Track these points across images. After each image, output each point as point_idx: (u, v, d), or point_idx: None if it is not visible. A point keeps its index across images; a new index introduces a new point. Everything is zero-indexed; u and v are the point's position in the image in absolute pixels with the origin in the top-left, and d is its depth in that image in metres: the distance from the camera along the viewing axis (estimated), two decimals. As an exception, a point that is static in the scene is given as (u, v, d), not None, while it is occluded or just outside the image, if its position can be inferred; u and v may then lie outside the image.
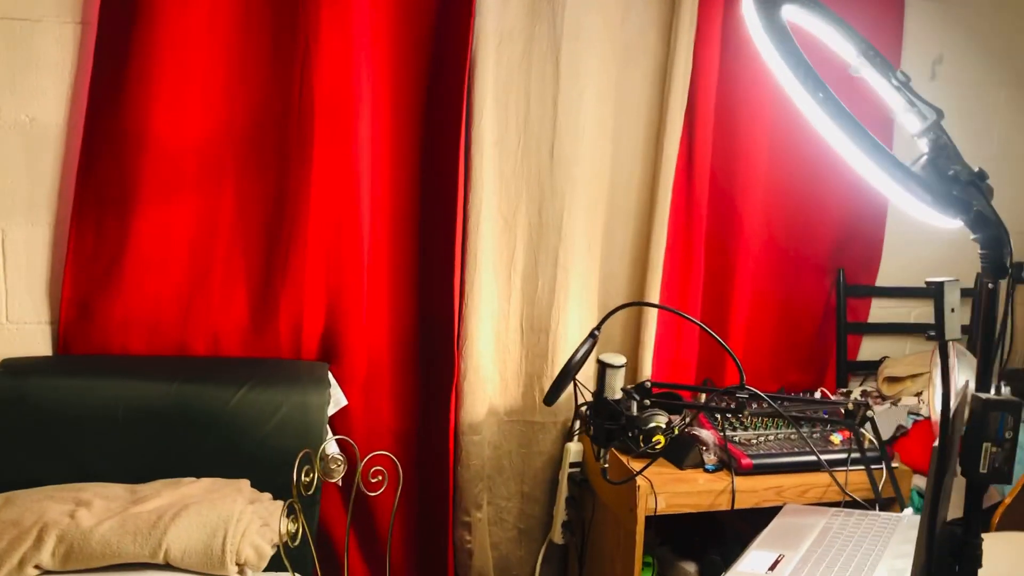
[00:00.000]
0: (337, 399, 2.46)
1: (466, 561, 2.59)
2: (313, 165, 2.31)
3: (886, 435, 2.60)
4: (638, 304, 2.08)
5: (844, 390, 2.88)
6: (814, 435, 2.45)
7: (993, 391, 1.51)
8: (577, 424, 1.96)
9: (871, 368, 2.97)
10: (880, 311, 3.02)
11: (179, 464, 2.23)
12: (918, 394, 2.69)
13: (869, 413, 1.74)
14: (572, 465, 2.54)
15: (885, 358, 2.96)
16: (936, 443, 1.36)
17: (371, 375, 2.51)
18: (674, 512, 2.26)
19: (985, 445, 1.45)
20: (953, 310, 1.30)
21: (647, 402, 1.92)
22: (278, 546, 2.00)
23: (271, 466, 2.24)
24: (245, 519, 1.97)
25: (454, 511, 2.57)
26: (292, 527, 2.05)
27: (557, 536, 2.59)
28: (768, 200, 2.73)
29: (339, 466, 2.27)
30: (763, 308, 2.83)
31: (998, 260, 1.41)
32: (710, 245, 2.71)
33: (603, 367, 1.94)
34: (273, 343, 2.42)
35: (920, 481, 2.42)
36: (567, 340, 2.59)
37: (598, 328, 1.92)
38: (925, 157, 1.44)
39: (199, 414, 2.25)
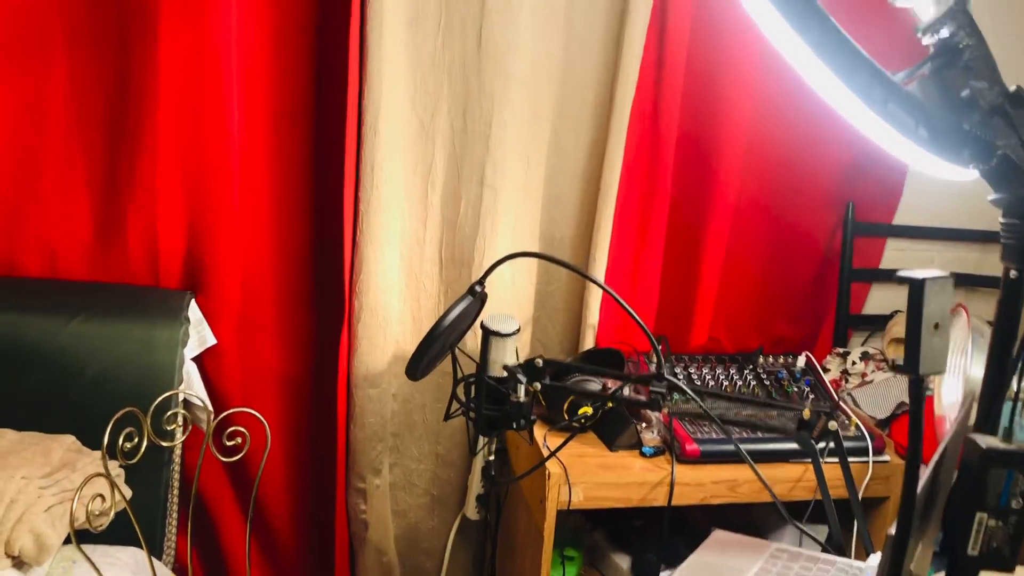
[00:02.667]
0: (202, 337, 2.01)
1: (361, 532, 2.18)
2: (160, 42, 1.79)
3: (884, 412, 2.10)
4: (521, 256, 1.57)
5: (840, 350, 2.37)
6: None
7: (1004, 428, 1.01)
8: (453, 406, 1.49)
9: (879, 324, 2.44)
10: (897, 255, 2.47)
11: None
12: (930, 363, 2.17)
13: (831, 426, 1.24)
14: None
15: (896, 312, 2.43)
16: (898, 512, 0.87)
17: (249, 309, 2.04)
18: (594, 507, 1.80)
19: (980, 516, 0.96)
20: (938, 326, 0.78)
21: (537, 385, 1.44)
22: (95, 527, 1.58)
23: (107, 416, 1.79)
24: (24, 499, 1.55)
25: (347, 476, 2.14)
26: (102, 504, 1.63)
27: (471, 511, 2.15)
28: (759, 107, 2.15)
29: (187, 423, 1.85)
30: (747, 244, 2.30)
31: (1030, 235, 0.90)
32: (681, 162, 2.16)
33: (486, 335, 1.46)
34: (123, 265, 1.96)
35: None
36: (494, 279, 2.09)
37: (480, 283, 1.43)
38: (928, 66, 0.89)
39: (17, 348, 1.83)
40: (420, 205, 2.06)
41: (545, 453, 1.77)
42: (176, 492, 2.00)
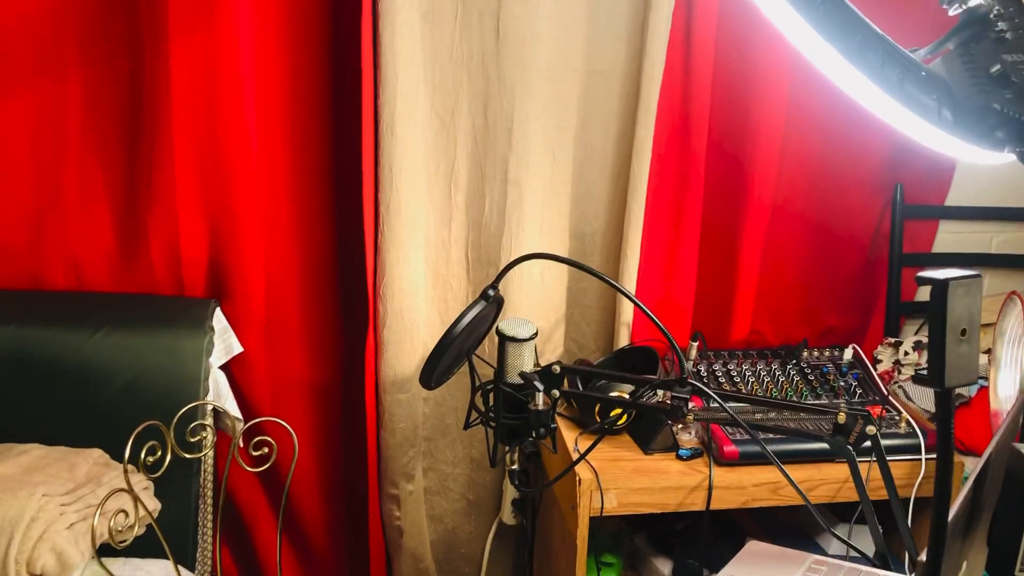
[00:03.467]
0: (228, 345, 1.99)
1: (396, 539, 2.14)
2: (170, 47, 1.76)
3: (939, 405, 1.98)
4: (534, 257, 1.50)
5: (892, 340, 2.25)
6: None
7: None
8: (473, 415, 1.44)
9: (932, 311, 2.31)
10: (949, 238, 2.34)
11: (20, 424, 1.82)
12: (987, 351, 2.05)
13: (870, 430, 1.15)
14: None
15: (952, 299, 2.29)
16: (929, 539, 0.79)
17: (274, 316, 2.01)
18: (629, 513, 1.73)
19: (1031, 536, 0.87)
20: (965, 332, 0.69)
21: (555, 392, 1.37)
22: (117, 543, 1.57)
23: (134, 428, 1.77)
24: (45, 517, 1.53)
25: (380, 482, 2.10)
26: (125, 520, 1.61)
27: (507, 515, 2.10)
28: (796, 87, 2.04)
29: (210, 433, 1.82)
30: (789, 232, 2.19)
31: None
32: (715, 149, 2.06)
33: (502, 340, 1.40)
34: (147, 275, 1.94)
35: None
36: (523, 279, 2.03)
37: (493, 286, 1.37)
38: (953, 40, 0.80)
39: (43, 361, 1.83)
40: (444, 205, 2.01)
41: (575, 457, 1.70)
42: (209, 502, 1.99)
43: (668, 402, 1.27)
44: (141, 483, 1.77)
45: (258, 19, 1.81)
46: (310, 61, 1.90)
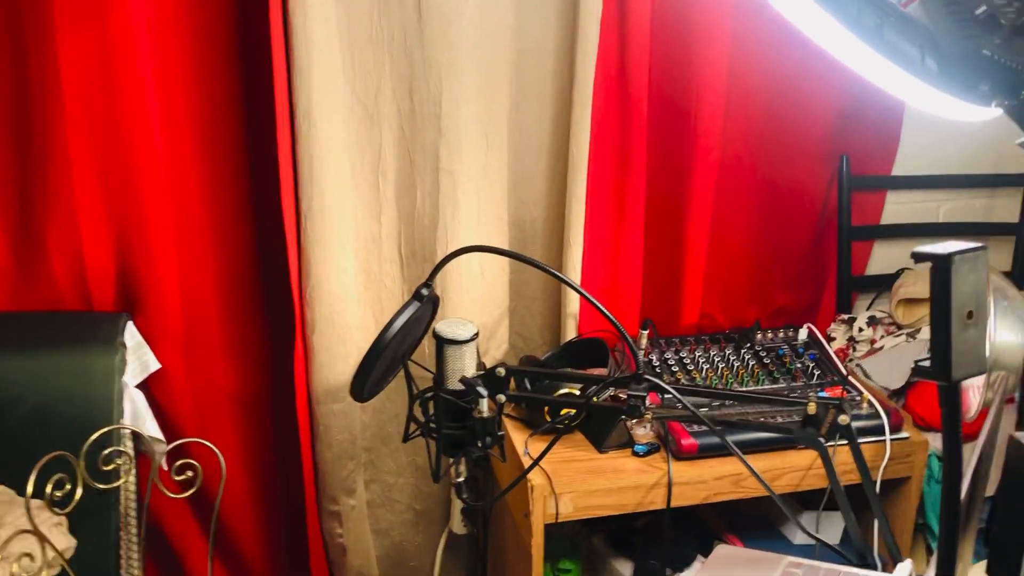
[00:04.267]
0: (144, 362, 1.83)
1: (340, 558, 2.00)
2: (57, 42, 1.59)
3: (898, 381, 1.92)
4: (471, 250, 1.39)
5: (845, 316, 2.19)
6: (791, 394, 1.78)
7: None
8: (412, 427, 1.31)
9: (885, 284, 2.25)
10: (898, 208, 2.28)
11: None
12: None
13: (842, 420, 1.06)
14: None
15: (903, 271, 2.24)
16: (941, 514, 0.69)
17: (193, 328, 1.86)
18: (585, 517, 1.63)
19: (1036, 534, 0.78)
20: (972, 315, 0.59)
21: (501, 398, 1.25)
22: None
23: (41, 458, 1.60)
24: (-64, 570, 1.37)
25: (318, 499, 1.96)
26: (31, 563, 1.45)
27: (456, 525, 1.98)
28: (736, 57, 1.94)
29: (128, 460, 1.67)
30: (735, 209, 2.10)
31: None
32: (656, 126, 1.96)
33: (440, 343, 1.27)
34: (50, 291, 1.77)
35: (938, 443, 1.75)
36: (461, 274, 1.91)
37: (427, 285, 1.25)
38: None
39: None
40: (372, 198, 1.87)
41: (527, 462, 1.59)
42: (133, 533, 1.83)
43: (624, 400, 1.16)
44: (51, 520, 1.62)
45: (154, 7, 1.65)
46: (216, 50, 1.74)
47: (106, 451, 1.59)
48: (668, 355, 1.88)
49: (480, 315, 1.98)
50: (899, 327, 2.11)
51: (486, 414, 1.24)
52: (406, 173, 1.87)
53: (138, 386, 1.82)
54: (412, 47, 1.78)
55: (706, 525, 1.90)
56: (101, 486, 1.57)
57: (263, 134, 1.76)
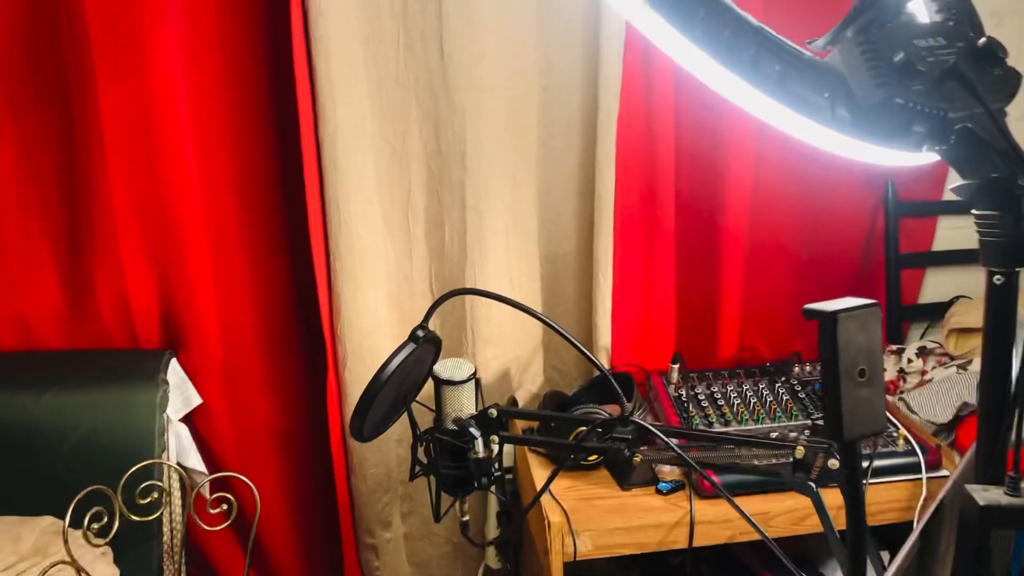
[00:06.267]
0: (187, 397, 1.90)
1: (378, 590, 2.03)
2: (99, 95, 1.69)
3: (946, 415, 1.84)
4: (463, 292, 1.41)
5: (895, 347, 2.11)
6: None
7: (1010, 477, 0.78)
8: (416, 469, 1.33)
9: (937, 313, 2.17)
10: (951, 234, 2.19)
11: (-31, 495, 1.75)
12: None
13: (831, 464, 1.02)
14: (504, 469, 1.89)
15: (957, 299, 2.15)
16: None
17: (233, 363, 1.92)
18: (606, 556, 1.61)
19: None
20: (864, 373, 0.58)
21: (494, 439, 1.26)
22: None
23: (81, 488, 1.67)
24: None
25: (355, 531, 1.99)
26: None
27: (491, 559, 1.98)
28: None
29: (174, 491, 1.74)
30: (775, 239, 2.06)
31: (1009, 230, 0.69)
32: (685, 156, 1.94)
33: (437, 384, 1.29)
34: (99, 330, 1.87)
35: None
36: (491, 308, 1.93)
37: (422, 326, 1.26)
38: (852, 28, 0.69)
39: (-10, 427, 1.75)
40: (402, 236, 1.91)
41: (548, 499, 1.59)
42: (180, 560, 1.90)
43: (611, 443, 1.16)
44: (95, 551, 1.69)
45: (190, 58, 1.73)
46: (249, 96, 1.82)
47: (143, 485, 1.67)
48: (699, 389, 1.85)
49: (513, 348, 1.99)
50: (951, 358, 2.03)
51: (481, 455, 1.25)
52: (435, 211, 1.90)
53: (183, 420, 1.90)
54: (436, 89, 1.82)
55: (741, 563, 1.85)
56: (137, 518, 1.64)
57: (296, 176, 1.82)
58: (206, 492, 1.87)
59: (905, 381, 2.04)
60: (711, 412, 1.79)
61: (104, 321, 1.85)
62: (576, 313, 2.03)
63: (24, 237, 1.80)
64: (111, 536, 1.60)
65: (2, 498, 1.73)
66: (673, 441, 1.11)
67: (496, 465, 1.29)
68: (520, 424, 1.91)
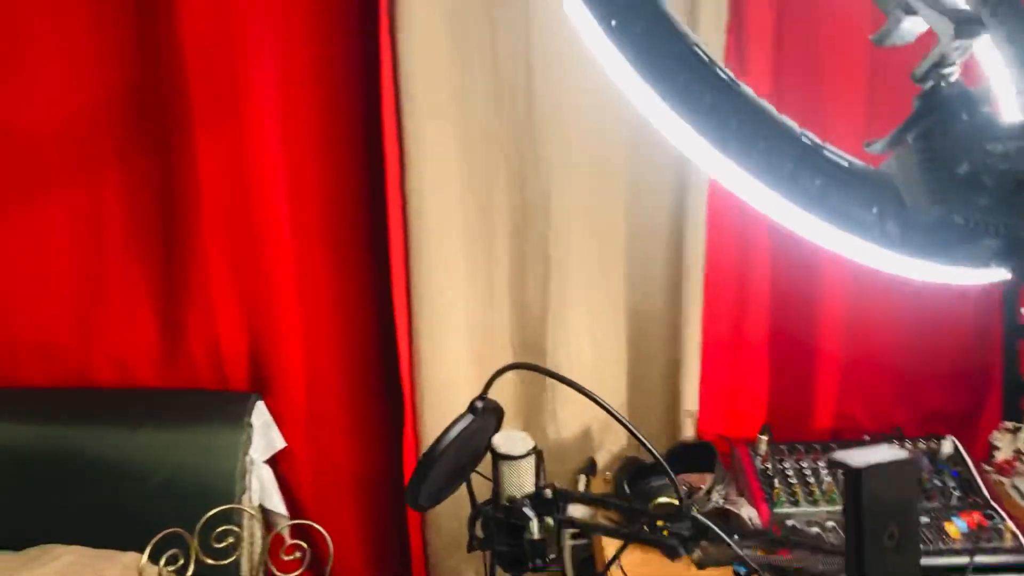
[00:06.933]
0: (271, 440, 1.93)
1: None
2: (197, 149, 1.75)
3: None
4: (522, 367, 1.36)
5: (1011, 424, 1.95)
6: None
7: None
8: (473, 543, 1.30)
9: (1062, 388, 1.99)
10: (1079, 302, 2.02)
11: (58, 525, 1.82)
12: None
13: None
14: (574, 536, 1.84)
15: (1085, 374, 1.97)
16: None
17: (316, 409, 1.95)
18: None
19: None
20: (894, 536, 0.51)
21: (549, 522, 1.21)
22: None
23: (165, 526, 1.70)
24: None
25: (429, 584, 1.98)
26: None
27: (562, 626, 1.92)
28: (875, 120, 1.81)
29: (234, 541, 1.75)
30: (877, 303, 1.93)
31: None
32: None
33: (495, 459, 1.25)
34: (191, 370, 1.92)
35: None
36: (572, 365, 1.88)
37: (482, 397, 1.24)
38: (912, 132, 0.62)
39: (85, 459, 1.83)
40: (485, 288, 1.89)
41: (615, 572, 1.53)
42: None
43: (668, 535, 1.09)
44: (177, 589, 1.73)
45: (283, 114, 1.78)
46: (340, 149, 1.85)
47: (220, 528, 1.70)
48: (787, 464, 1.75)
49: (594, 407, 1.93)
50: (1075, 441, 1.86)
51: (536, 536, 1.20)
52: (518, 264, 1.88)
53: (267, 462, 1.93)
54: (523, 143, 1.80)
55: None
56: (212, 561, 1.67)
57: (383, 225, 1.83)
58: (286, 535, 1.88)
59: (1022, 463, 1.88)
60: (798, 490, 1.69)
61: (196, 362, 1.91)
62: (662, 374, 1.96)
63: (125, 280, 1.88)
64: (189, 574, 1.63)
65: (88, 530, 1.79)
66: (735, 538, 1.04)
67: (555, 545, 1.24)
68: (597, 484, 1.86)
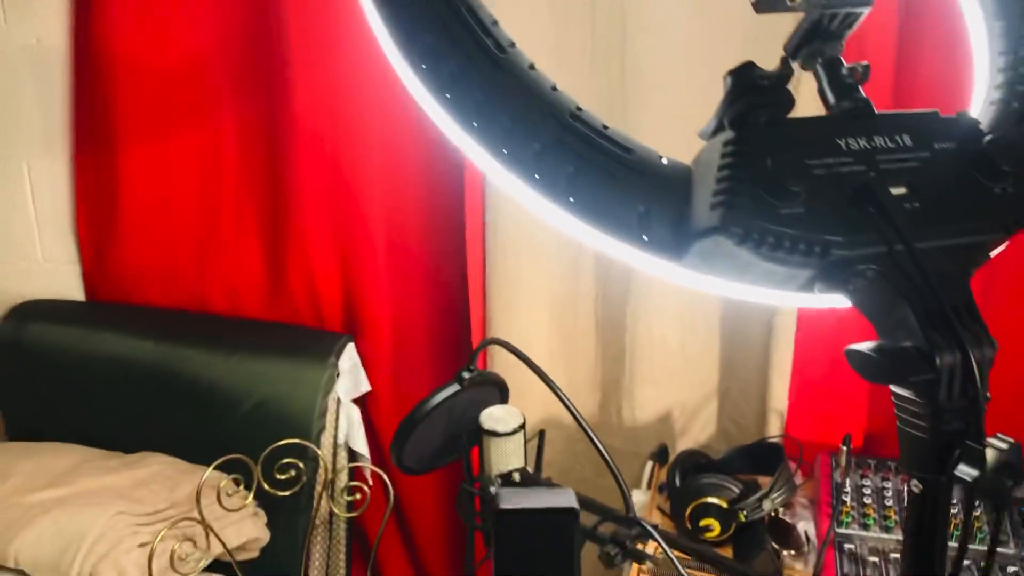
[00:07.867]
0: (358, 382, 1.99)
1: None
2: (296, 91, 1.80)
3: None
4: (495, 343, 1.25)
5: None
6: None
7: None
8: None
9: None
10: None
11: (162, 432, 1.99)
12: None
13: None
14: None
15: None
16: None
17: (401, 356, 1.98)
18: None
19: None
20: None
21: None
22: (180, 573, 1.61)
23: (250, 451, 1.80)
24: (113, 535, 1.63)
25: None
26: (192, 549, 1.66)
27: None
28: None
29: (296, 474, 1.79)
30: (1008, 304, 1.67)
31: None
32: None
33: (481, 434, 1.21)
34: (291, 308, 2.02)
35: None
36: (654, 343, 1.78)
37: (469, 367, 1.19)
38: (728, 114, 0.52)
39: (182, 379, 1.98)
40: (571, 256, 1.82)
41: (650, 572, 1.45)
42: (334, 535, 2.00)
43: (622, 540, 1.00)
44: (248, 510, 1.83)
45: (375, 58, 1.77)
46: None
47: (283, 460, 1.76)
48: (869, 480, 1.57)
49: (678, 392, 1.83)
50: None
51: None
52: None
53: (357, 402, 1.99)
54: (615, 105, 1.70)
55: None
56: (271, 490, 1.73)
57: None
58: (366, 475, 1.93)
59: None
60: (871, 511, 1.50)
61: (295, 300, 1.99)
62: (758, 361, 1.81)
63: (238, 216, 1.98)
64: (247, 502, 1.71)
65: (184, 445, 1.93)
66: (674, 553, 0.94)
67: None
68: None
